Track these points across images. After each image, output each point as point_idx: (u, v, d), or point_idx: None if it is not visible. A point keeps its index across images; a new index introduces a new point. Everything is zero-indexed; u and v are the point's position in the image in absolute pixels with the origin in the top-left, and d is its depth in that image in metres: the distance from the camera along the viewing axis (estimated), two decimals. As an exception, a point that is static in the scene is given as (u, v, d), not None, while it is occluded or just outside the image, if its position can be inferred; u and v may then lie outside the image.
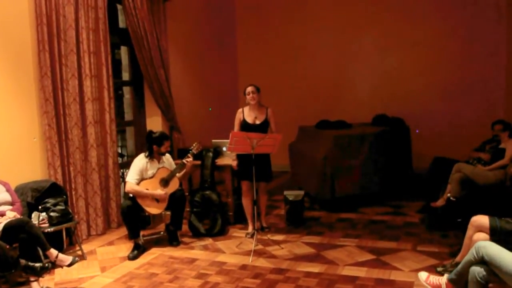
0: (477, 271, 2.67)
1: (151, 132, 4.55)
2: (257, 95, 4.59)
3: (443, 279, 3.03)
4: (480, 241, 2.85)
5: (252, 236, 4.52)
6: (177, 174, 4.54)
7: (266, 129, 4.62)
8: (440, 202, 5.00)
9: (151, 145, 4.45)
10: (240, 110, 4.72)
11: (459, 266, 2.91)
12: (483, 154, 5.16)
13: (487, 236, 3.06)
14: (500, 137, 5.03)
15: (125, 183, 4.57)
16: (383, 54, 7.52)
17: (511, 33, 6.70)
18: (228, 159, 5.21)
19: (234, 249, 4.38)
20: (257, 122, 4.61)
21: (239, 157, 4.65)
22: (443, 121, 7.23)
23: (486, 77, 6.94)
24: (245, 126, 4.60)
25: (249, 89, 4.59)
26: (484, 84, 6.96)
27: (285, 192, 5.20)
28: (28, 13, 4.21)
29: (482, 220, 3.15)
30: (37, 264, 3.36)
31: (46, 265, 3.39)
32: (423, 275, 3.17)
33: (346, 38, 7.73)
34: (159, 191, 4.37)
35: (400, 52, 7.41)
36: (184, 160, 4.55)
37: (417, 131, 6.93)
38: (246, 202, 4.76)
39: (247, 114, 4.67)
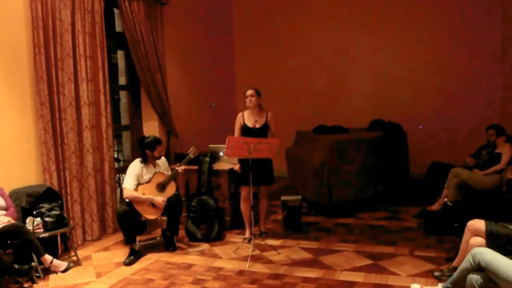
0: (475, 278, 2.66)
1: (143, 137, 4.56)
2: (256, 99, 4.60)
3: None
4: (476, 248, 2.84)
5: (249, 241, 4.50)
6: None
7: (267, 132, 4.63)
8: (436, 206, 5.01)
9: (144, 150, 4.44)
10: (240, 114, 4.73)
11: (455, 274, 2.90)
12: (469, 159, 5.24)
13: (483, 241, 3.06)
14: (495, 142, 5.05)
15: (121, 188, 4.54)
16: (381, 60, 7.54)
17: (507, 39, 6.75)
18: (225, 164, 5.20)
19: (231, 255, 4.35)
20: (257, 126, 4.62)
21: (241, 161, 4.64)
22: (440, 126, 7.25)
23: (482, 83, 6.97)
24: (246, 130, 4.61)
25: (249, 92, 4.61)
26: (480, 89, 6.99)
27: (283, 197, 5.19)
28: (24, 17, 4.19)
29: (478, 224, 3.16)
30: (26, 266, 3.32)
31: (32, 264, 3.35)
32: (416, 287, 3.16)
33: (343, 43, 7.76)
34: (159, 198, 4.34)
35: (397, 58, 7.44)
36: (177, 168, 4.56)
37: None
38: (244, 207, 4.74)
39: (247, 118, 4.68)
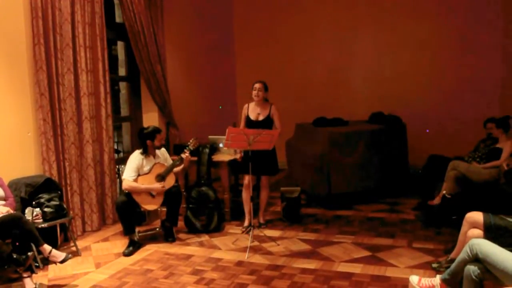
0: (472, 269, 2.67)
1: (142, 128, 4.56)
2: (263, 93, 4.66)
3: (436, 280, 3.01)
4: (474, 239, 2.85)
5: (247, 231, 4.51)
6: (175, 169, 4.53)
7: (270, 125, 4.66)
8: (437, 201, 5.00)
9: (144, 141, 4.44)
10: (246, 105, 4.80)
11: (453, 266, 2.90)
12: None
13: (481, 233, 3.07)
14: (494, 135, 5.05)
15: (121, 179, 4.55)
16: (381, 52, 7.53)
17: (507, 32, 6.71)
18: (225, 155, 5.21)
19: (230, 246, 4.37)
20: (260, 118, 4.68)
21: (244, 150, 4.67)
22: (440, 119, 7.24)
23: (482, 76, 6.95)
24: (248, 122, 4.69)
25: (257, 85, 4.65)
26: (479, 82, 6.98)
27: (282, 189, 5.20)
28: (23, 6, 4.16)
29: (476, 216, 3.16)
30: (23, 256, 3.32)
31: (29, 254, 3.35)
32: (414, 278, 3.15)
33: (344, 35, 7.73)
34: (157, 185, 4.35)
35: (397, 50, 7.41)
36: (182, 155, 4.54)
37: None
38: (246, 196, 4.77)
39: (251, 110, 4.73)
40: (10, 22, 4.12)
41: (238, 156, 4.77)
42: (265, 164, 4.64)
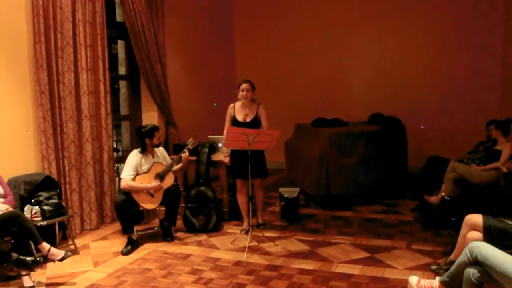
0: (472, 272, 2.67)
1: (140, 127, 4.57)
2: (251, 93, 4.51)
3: (435, 282, 3.01)
4: (473, 241, 2.85)
5: (246, 233, 4.51)
6: (173, 168, 4.53)
7: (258, 126, 4.53)
8: (434, 199, 4.99)
9: (143, 139, 4.43)
10: (232, 105, 4.65)
11: (452, 268, 2.90)
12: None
13: (480, 235, 3.07)
14: (493, 136, 5.06)
15: (119, 178, 4.55)
16: (380, 54, 7.53)
17: (507, 33, 6.73)
18: (224, 155, 5.19)
19: (229, 245, 4.36)
20: (248, 119, 4.54)
21: (232, 154, 4.63)
22: (439, 121, 7.25)
23: (482, 77, 6.97)
24: (235, 124, 4.54)
25: (244, 86, 4.48)
26: (479, 84, 7.00)
27: (281, 189, 5.20)
28: (24, 4, 4.16)
29: (476, 218, 3.16)
30: (29, 258, 3.32)
31: (38, 259, 3.35)
32: (414, 279, 3.15)
33: (343, 36, 7.73)
34: (154, 183, 4.35)
35: (396, 51, 7.43)
36: (181, 154, 4.53)
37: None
38: (240, 199, 4.76)
39: (238, 110, 4.60)
40: (11, 20, 4.12)
41: (226, 160, 4.67)
42: (254, 167, 4.38)
